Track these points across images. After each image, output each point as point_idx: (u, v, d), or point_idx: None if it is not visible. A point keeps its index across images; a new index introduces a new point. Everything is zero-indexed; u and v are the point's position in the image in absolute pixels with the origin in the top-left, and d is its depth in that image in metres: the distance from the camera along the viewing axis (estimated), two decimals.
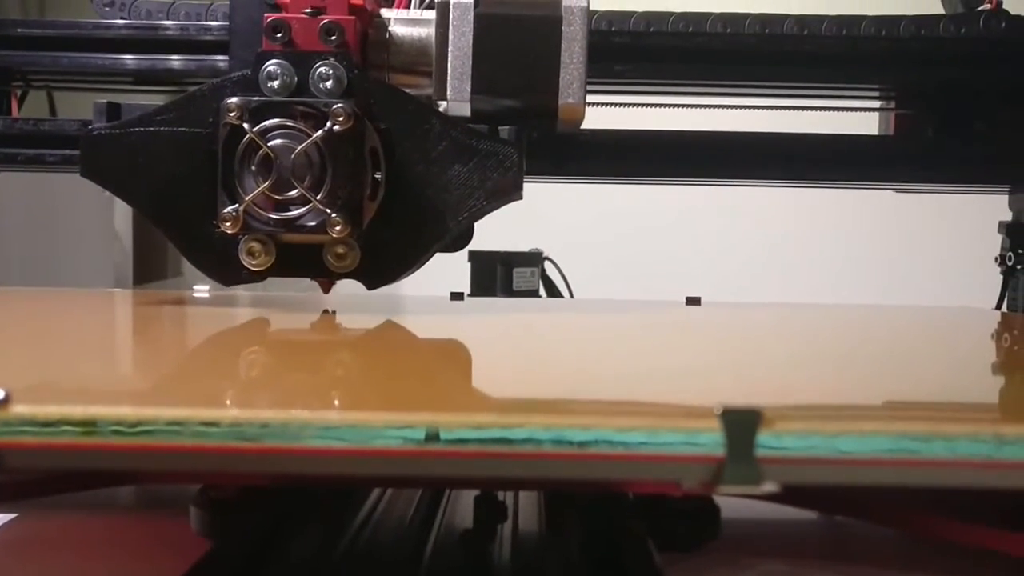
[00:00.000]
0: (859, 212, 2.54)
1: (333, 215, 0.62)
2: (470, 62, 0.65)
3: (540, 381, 0.50)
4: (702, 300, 0.95)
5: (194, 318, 0.77)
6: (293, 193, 0.62)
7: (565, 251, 1.57)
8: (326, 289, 0.70)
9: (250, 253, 0.64)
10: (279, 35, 0.64)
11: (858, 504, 0.49)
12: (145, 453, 0.33)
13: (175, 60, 0.84)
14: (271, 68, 0.64)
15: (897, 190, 1.03)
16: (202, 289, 0.90)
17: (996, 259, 1.02)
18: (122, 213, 2.08)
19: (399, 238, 0.66)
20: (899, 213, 2.46)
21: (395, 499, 0.57)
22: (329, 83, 0.64)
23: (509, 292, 1.44)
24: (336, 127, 0.62)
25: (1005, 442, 0.34)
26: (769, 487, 0.34)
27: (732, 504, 0.47)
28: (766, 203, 2.52)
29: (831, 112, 0.99)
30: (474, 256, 1.44)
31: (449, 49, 0.65)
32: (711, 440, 0.33)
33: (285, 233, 0.63)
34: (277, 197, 0.63)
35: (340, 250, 0.64)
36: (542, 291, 1.50)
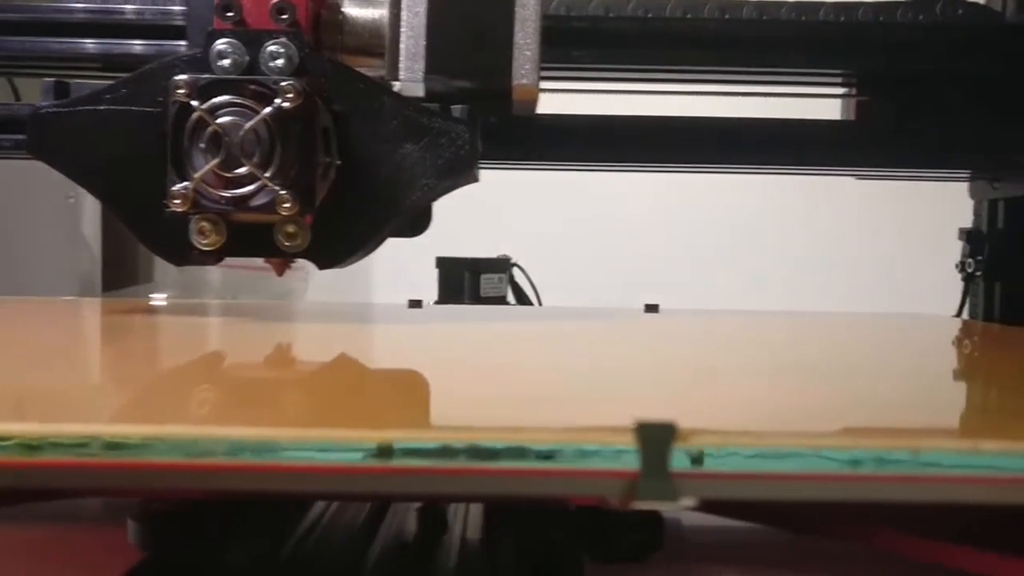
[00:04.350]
0: (839, 219, 2.55)
1: (282, 193, 0.62)
2: (423, 42, 0.65)
3: (462, 394, 0.49)
4: (660, 308, 0.95)
5: (140, 328, 0.77)
6: (242, 171, 0.62)
7: (537, 257, 1.57)
8: (280, 271, 0.69)
9: (201, 232, 0.64)
10: (230, 14, 0.64)
11: (803, 518, 0.49)
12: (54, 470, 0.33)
13: (136, 44, 0.83)
14: (221, 47, 0.63)
15: (858, 176, 1.03)
16: (159, 297, 0.90)
17: (957, 266, 1.03)
18: (90, 218, 2.07)
19: (351, 218, 0.65)
20: (875, 219, 2.47)
21: (343, 509, 0.57)
22: (280, 62, 0.63)
23: (477, 298, 1.43)
24: (286, 104, 0.61)
25: (921, 457, 0.33)
26: (686, 502, 0.34)
27: (679, 514, 0.47)
28: (740, 207, 2.54)
29: (797, 99, 0.99)
30: (442, 262, 1.44)
31: (402, 29, 0.65)
32: (626, 455, 0.33)
33: (235, 212, 0.63)
34: (227, 175, 0.62)
35: (291, 229, 0.64)
36: (511, 297, 1.49)
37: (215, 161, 0.62)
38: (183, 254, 0.66)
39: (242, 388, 0.50)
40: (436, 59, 0.65)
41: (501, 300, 1.43)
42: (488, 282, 1.43)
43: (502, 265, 1.45)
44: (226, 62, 0.63)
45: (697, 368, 0.63)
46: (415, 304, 0.96)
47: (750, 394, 0.51)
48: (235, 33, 0.64)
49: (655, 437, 0.33)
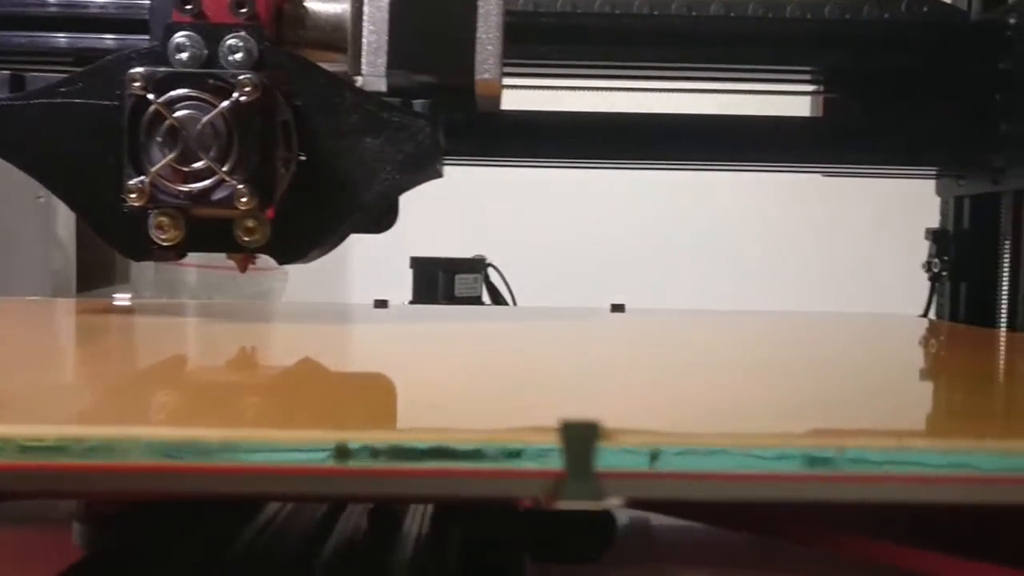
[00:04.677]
0: (811, 218, 2.56)
1: (240, 187, 0.61)
2: (386, 37, 0.65)
3: (401, 393, 0.49)
4: (626, 308, 0.95)
5: (91, 328, 0.76)
6: (200, 165, 0.61)
7: (515, 257, 1.56)
8: (242, 267, 0.69)
9: (159, 227, 0.63)
10: (189, 7, 0.63)
11: (757, 519, 0.48)
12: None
13: (107, 39, 0.82)
14: (179, 40, 0.63)
15: (825, 173, 1.03)
16: (123, 297, 0.89)
17: (923, 266, 1.03)
18: (65, 219, 2.06)
19: (311, 212, 0.65)
20: (849, 217, 2.47)
21: (296, 511, 0.55)
22: (239, 55, 0.63)
23: (451, 299, 1.43)
24: (243, 98, 0.61)
25: (847, 454, 0.33)
26: (613, 502, 0.33)
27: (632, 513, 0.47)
28: (712, 205, 2.54)
29: (768, 97, 0.99)
30: (416, 262, 1.43)
31: (365, 23, 0.65)
32: (550, 455, 0.33)
33: (193, 207, 0.62)
34: (184, 169, 0.61)
35: (250, 224, 0.63)
36: (486, 298, 1.49)
37: (172, 155, 0.61)
38: (142, 249, 0.65)
39: (175, 389, 0.49)
40: (398, 54, 0.65)
41: (476, 300, 1.43)
42: (463, 282, 1.42)
43: (477, 265, 1.45)
44: (184, 55, 0.63)
45: (647, 367, 0.62)
46: (381, 304, 0.96)
47: (696, 392, 0.51)
48: (194, 26, 0.63)
49: (579, 436, 0.33)
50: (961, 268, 1.01)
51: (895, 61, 0.93)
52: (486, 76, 0.64)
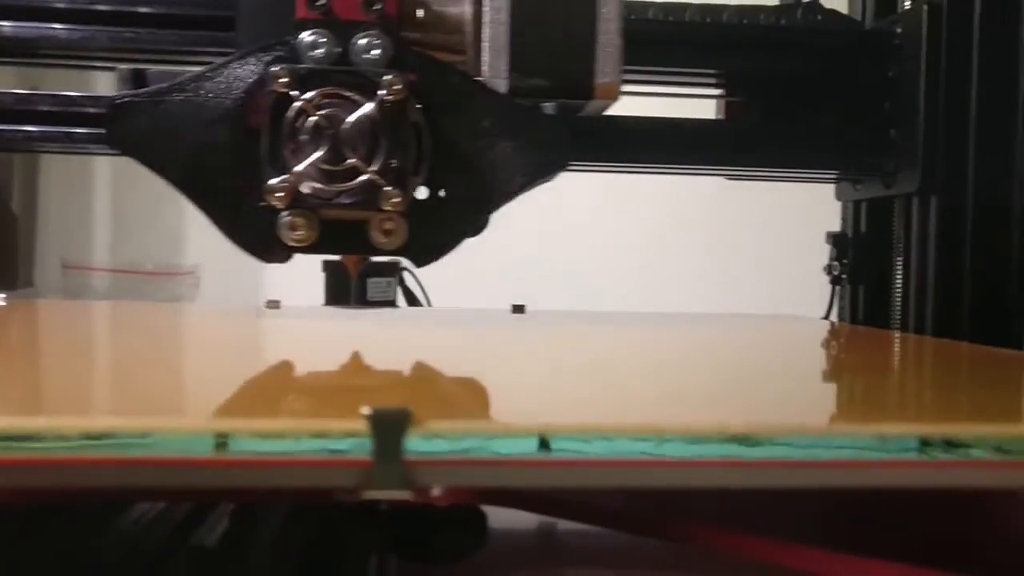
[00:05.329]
0: (720, 221, 2.58)
1: (387, 188, 0.60)
2: (507, 39, 0.64)
3: (239, 388, 0.48)
4: (526, 309, 0.96)
5: None
6: (347, 165, 0.60)
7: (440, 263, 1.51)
8: (355, 272, 0.68)
9: (293, 228, 0.61)
10: (320, 3, 0.62)
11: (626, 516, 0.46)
12: None
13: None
14: (311, 37, 0.61)
15: (727, 176, 1.06)
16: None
17: (824, 269, 1.07)
18: None
19: (443, 214, 0.64)
20: (760, 223, 2.51)
21: (159, 512, 0.54)
22: (376, 53, 0.62)
23: (364, 302, 1.40)
24: (389, 97, 0.60)
25: (665, 440, 0.33)
26: (423, 490, 0.33)
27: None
28: (622, 208, 2.54)
29: (675, 101, 1.01)
30: (328, 266, 1.39)
31: (486, 25, 0.65)
32: (360, 443, 0.33)
33: (335, 208, 0.61)
34: (330, 168, 0.60)
35: (388, 226, 0.62)
36: (401, 301, 1.46)
37: (318, 154, 0.60)
38: (271, 250, 0.63)
39: None
40: (520, 56, 0.65)
41: (390, 304, 1.41)
42: (375, 286, 1.39)
43: (390, 269, 1.42)
44: (319, 52, 0.61)
45: (509, 363, 0.64)
46: (273, 304, 0.94)
47: (548, 387, 0.52)
48: (325, 23, 0.62)
49: (388, 424, 0.33)
50: (858, 271, 1.06)
51: (791, 67, 0.97)
52: (606, 80, 0.65)
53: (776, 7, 0.99)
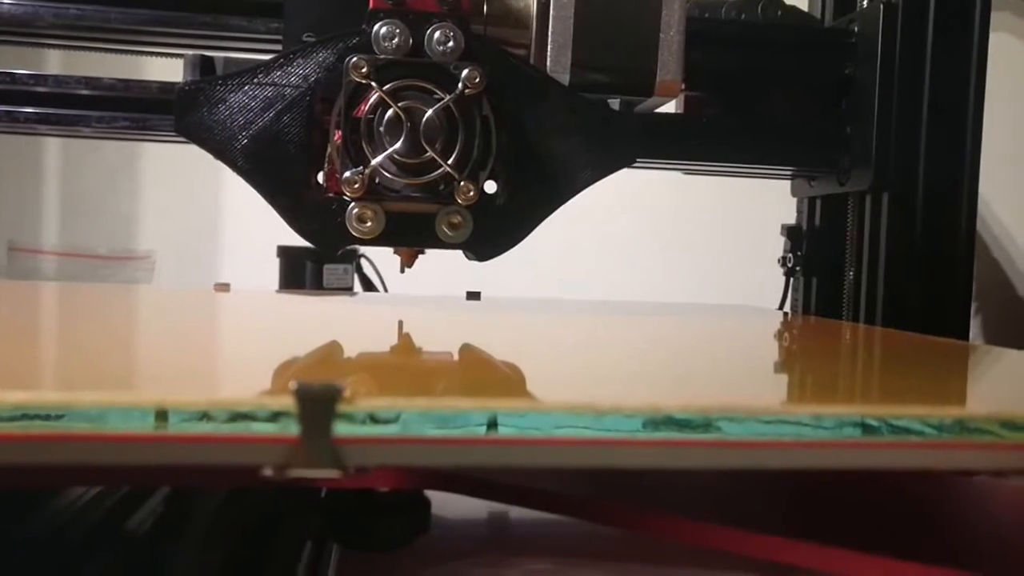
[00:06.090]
0: (690, 214, 2.56)
1: (464, 182, 0.60)
2: (571, 33, 0.64)
3: (170, 365, 0.46)
4: (482, 295, 0.96)
5: None
6: (424, 158, 0.60)
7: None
8: (410, 263, 0.67)
9: (360, 219, 0.61)
10: None
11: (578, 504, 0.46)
12: None
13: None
14: (386, 27, 0.61)
15: (684, 171, 1.06)
16: None
17: (779, 261, 1.08)
18: None
19: (510, 208, 0.64)
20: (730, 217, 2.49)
21: (97, 496, 0.52)
22: (450, 45, 0.61)
23: (319, 289, 1.37)
24: (468, 90, 0.60)
25: (603, 416, 0.33)
26: (351, 469, 0.32)
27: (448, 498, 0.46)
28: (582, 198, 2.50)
29: None
30: (283, 251, 1.36)
31: (552, 21, 0.64)
32: (285, 419, 0.31)
33: (407, 201, 0.60)
34: (407, 161, 0.60)
35: (456, 219, 0.62)
36: (358, 288, 1.43)
37: (397, 145, 0.59)
38: (335, 240, 0.62)
39: None
40: (583, 51, 0.65)
41: (347, 291, 1.38)
42: (332, 272, 1.37)
43: (347, 256, 1.39)
44: (393, 43, 0.61)
45: (451, 344, 0.62)
46: (222, 287, 0.93)
47: (492, 368, 0.50)
48: (397, 13, 0.61)
49: (316, 401, 0.31)
50: (812, 264, 1.07)
51: (751, 62, 0.98)
52: (668, 77, 0.65)
53: (737, 3, 1.00)
